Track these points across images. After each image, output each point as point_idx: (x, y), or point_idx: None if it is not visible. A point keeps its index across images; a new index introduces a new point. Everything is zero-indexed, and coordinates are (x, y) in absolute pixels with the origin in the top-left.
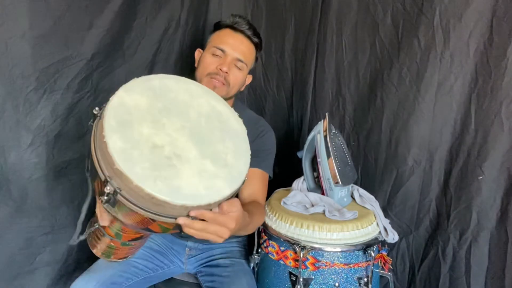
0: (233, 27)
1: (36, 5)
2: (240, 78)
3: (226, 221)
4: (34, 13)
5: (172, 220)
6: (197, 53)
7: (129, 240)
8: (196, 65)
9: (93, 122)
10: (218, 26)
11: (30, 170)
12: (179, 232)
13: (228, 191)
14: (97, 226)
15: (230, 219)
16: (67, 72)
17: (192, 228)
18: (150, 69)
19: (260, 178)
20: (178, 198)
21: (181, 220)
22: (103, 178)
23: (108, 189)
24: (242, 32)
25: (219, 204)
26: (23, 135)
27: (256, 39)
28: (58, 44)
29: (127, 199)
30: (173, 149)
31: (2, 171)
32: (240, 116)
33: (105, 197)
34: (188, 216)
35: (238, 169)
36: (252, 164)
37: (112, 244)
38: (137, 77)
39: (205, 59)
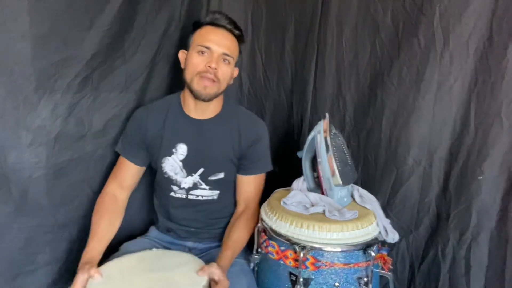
0: (213, 24)
1: (36, 5)
2: (228, 73)
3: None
4: (34, 13)
5: None
6: (181, 54)
7: None
8: (182, 66)
9: None
10: (198, 25)
11: (30, 170)
12: None
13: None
14: None
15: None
16: (67, 72)
17: None
18: (150, 69)
19: (255, 183)
20: None
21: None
22: None
23: None
24: (223, 27)
25: None
26: (23, 135)
27: (237, 32)
28: (58, 44)
29: None
30: None
31: (2, 170)
32: (232, 116)
33: None
34: None
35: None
36: (247, 172)
37: None
38: (137, 76)
39: (192, 59)
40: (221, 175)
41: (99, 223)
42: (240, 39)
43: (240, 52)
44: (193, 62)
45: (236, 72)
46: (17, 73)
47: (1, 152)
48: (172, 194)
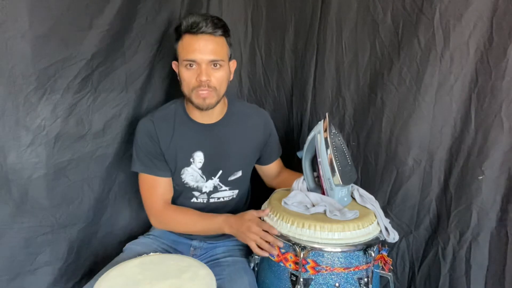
0: (191, 32)
1: (36, 5)
2: (222, 76)
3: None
4: (34, 13)
5: None
6: (174, 65)
7: None
8: (178, 78)
9: None
10: (178, 34)
11: (30, 170)
12: None
13: None
14: None
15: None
16: (67, 72)
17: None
18: (150, 69)
19: (278, 162)
20: None
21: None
22: None
23: None
24: (202, 33)
25: None
26: (23, 135)
27: (219, 32)
28: (58, 44)
29: None
30: None
31: (2, 170)
32: (240, 115)
33: None
34: None
35: None
36: (271, 160)
37: None
38: (137, 76)
39: (183, 75)
40: (239, 174)
41: (187, 212)
42: (224, 35)
43: (230, 44)
44: (185, 78)
45: (233, 65)
46: (17, 73)
47: (1, 152)
48: (194, 200)
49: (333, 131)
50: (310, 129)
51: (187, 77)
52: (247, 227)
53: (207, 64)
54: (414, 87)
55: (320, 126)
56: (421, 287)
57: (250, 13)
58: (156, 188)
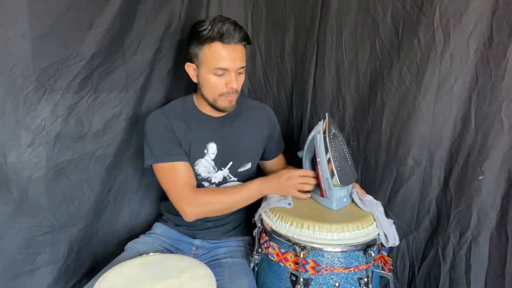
0: (222, 41)
1: (36, 5)
2: (243, 79)
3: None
4: (34, 13)
5: None
6: (189, 68)
7: None
8: (194, 80)
9: None
10: (202, 39)
11: (30, 170)
12: None
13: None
14: None
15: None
16: (67, 72)
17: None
18: (150, 69)
19: (281, 159)
20: None
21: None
22: None
23: None
24: (234, 43)
25: None
26: (23, 135)
27: (245, 41)
28: (58, 44)
29: None
30: None
31: (2, 170)
32: (246, 109)
33: None
34: None
35: None
36: (274, 155)
37: None
38: (137, 76)
39: (210, 80)
40: (248, 166)
41: (219, 189)
42: (248, 43)
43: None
44: (212, 84)
45: None
46: (17, 73)
47: (1, 152)
48: None
49: (333, 131)
50: (310, 129)
51: (216, 84)
52: (287, 177)
53: (235, 71)
54: (414, 87)
55: (320, 126)
56: (421, 287)
57: (250, 13)
58: (180, 175)
